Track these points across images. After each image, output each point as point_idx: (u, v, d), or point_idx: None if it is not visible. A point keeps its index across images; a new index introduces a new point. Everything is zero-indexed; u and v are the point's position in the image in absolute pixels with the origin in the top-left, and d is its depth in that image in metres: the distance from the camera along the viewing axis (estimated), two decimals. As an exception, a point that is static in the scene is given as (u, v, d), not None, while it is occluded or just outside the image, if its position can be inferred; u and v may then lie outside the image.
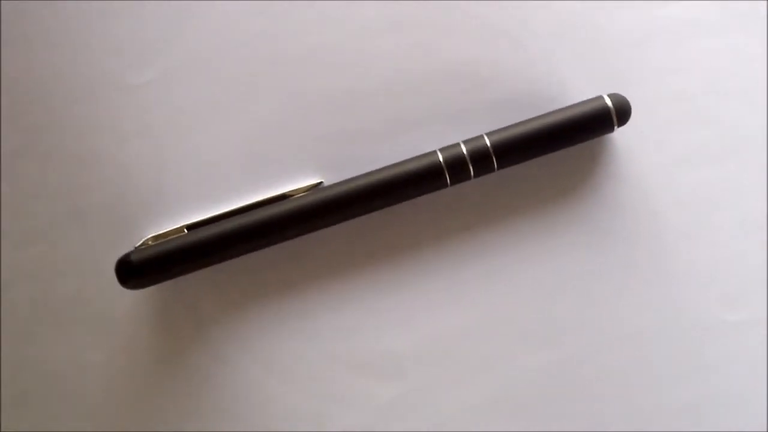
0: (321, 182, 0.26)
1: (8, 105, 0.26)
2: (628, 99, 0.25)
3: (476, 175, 0.25)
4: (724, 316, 0.26)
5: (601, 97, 0.25)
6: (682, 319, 0.26)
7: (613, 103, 0.25)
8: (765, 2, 0.26)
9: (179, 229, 0.25)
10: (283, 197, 0.25)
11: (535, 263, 0.26)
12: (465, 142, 0.25)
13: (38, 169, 0.26)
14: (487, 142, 0.25)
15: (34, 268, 0.26)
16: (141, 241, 0.25)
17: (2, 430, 0.26)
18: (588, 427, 0.26)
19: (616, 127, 0.25)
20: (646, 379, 0.26)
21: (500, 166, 0.25)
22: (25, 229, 0.26)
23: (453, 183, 0.25)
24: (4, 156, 0.26)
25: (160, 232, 0.26)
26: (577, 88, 0.26)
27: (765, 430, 0.26)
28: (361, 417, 0.26)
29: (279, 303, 0.26)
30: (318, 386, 0.26)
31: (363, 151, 0.26)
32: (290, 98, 0.27)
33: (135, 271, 0.25)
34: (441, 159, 0.25)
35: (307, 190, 0.26)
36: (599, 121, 0.25)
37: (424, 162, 0.25)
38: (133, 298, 0.26)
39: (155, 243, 0.25)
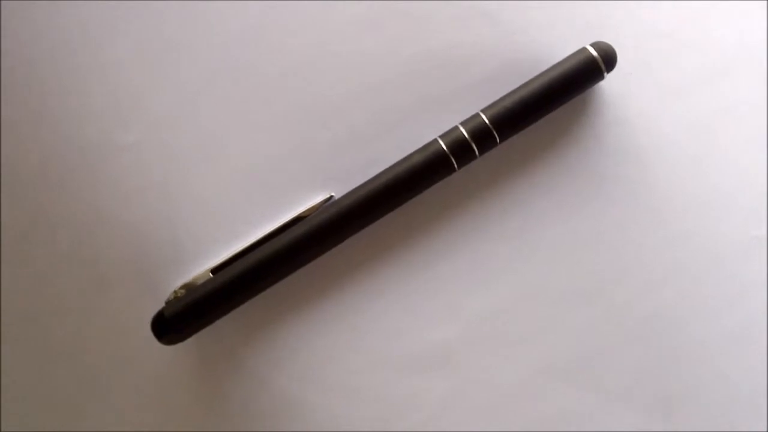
0: (331, 195, 0.26)
1: (8, 187, 0.26)
2: (611, 44, 0.25)
3: (481, 152, 0.25)
4: (753, 232, 0.26)
5: (584, 49, 0.25)
6: (714, 243, 0.26)
7: (597, 51, 0.25)
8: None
9: (204, 274, 0.25)
10: (298, 219, 0.25)
11: (557, 223, 0.26)
12: (463, 123, 0.25)
13: (49, 246, 0.26)
14: (485, 119, 0.25)
15: (69, 343, 0.26)
16: (170, 294, 0.25)
17: None
18: (648, 371, 0.26)
19: (605, 74, 0.25)
20: (696, 310, 0.26)
21: (502, 139, 0.25)
22: (52, 307, 0.26)
23: (461, 166, 0.25)
24: (16, 240, 0.26)
25: (187, 280, 0.25)
26: (559, 47, 0.26)
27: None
28: (423, 413, 0.26)
29: (314, 321, 0.26)
30: (374, 393, 0.26)
31: (364, 155, 0.26)
32: (280, 119, 0.26)
33: (170, 326, 0.25)
34: (443, 145, 0.25)
35: (319, 207, 0.26)
36: (588, 71, 0.25)
37: (428, 152, 0.25)
38: (172, 352, 0.26)
39: (184, 293, 0.25)
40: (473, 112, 0.25)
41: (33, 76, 0.26)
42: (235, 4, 0.26)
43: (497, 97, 0.25)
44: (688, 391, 0.26)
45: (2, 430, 0.26)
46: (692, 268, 0.26)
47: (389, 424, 0.26)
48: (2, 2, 0.26)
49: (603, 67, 0.25)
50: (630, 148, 0.26)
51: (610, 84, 0.26)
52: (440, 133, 0.25)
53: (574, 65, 0.25)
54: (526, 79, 0.25)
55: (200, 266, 0.26)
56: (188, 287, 0.25)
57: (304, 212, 0.26)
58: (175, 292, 0.25)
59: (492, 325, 0.26)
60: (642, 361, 0.26)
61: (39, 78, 0.26)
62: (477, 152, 0.25)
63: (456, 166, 0.25)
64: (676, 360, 0.26)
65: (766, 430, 0.26)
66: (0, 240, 0.26)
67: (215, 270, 0.25)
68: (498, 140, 0.25)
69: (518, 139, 0.26)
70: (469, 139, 0.25)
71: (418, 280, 0.26)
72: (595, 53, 0.25)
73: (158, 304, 0.26)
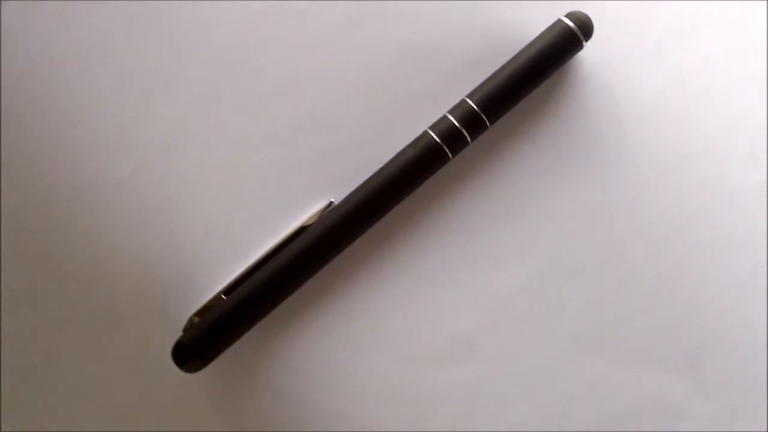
0: (331, 201, 0.26)
1: (8, 237, 0.26)
2: (586, 12, 0.25)
3: (473, 138, 0.25)
4: (754, 177, 0.26)
5: (560, 20, 0.25)
6: (718, 191, 0.26)
7: (573, 22, 0.25)
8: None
9: (217, 297, 0.25)
10: (302, 230, 0.25)
11: (557, 197, 0.26)
12: (450, 111, 0.25)
13: (58, 293, 0.26)
14: (472, 104, 0.25)
15: (90, 384, 0.27)
16: (186, 322, 0.25)
17: None
18: (670, 331, 0.26)
19: (584, 43, 0.25)
20: (706, 263, 0.26)
21: (491, 121, 0.25)
22: (70, 351, 0.27)
23: (455, 154, 0.25)
24: (26, 289, 0.26)
25: (200, 306, 0.26)
26: (534, 21, 0.26)
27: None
28: (454, 407, 0.26)
29: (331, 326, 0.26)
30: (403, 392, 0.26)
31: (358, 156, 0.26)
32: (268, 132, 0.26)
33: (191, 353, 0.25)
34: (435, 136, 0.25)
35: (321, 214, 0.26)
36: (567, 42, 0.25)
37: (421, 145, 0.25)
38: (195, 379, 0.26)
39: (200, 320, 0.25)
40: (459, 99, 0.25)
41: (20, 124, 0.26)
42: (217, 21, 0.26)
43: (480, 81, 0.25)
44: (713, 343, 0.26)
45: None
46: (696, 221, 0.26)
47: (423, 422, 0.26)
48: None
49: (581, 36, 0.25)
50: (620, 111, 0.26)
51: (589, 52, 0.26)
52: (429, 124, 0.25)
53: (552, 38, 0.25)
54: (507, 59, 0.25)
55: (212, 290, 0.26)
56: (203, 313, 0.25)
57: (306, 221, 0.26)
58: (190, 319, 0.25)
59: (508, 308, 0.26)
60: (662, 321, 0.26)
61: (26, 124, 0.26)
62: (469, 138, 0.25)
63: (450, 154, 0.25)
64: (695, 315, 0.26)
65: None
66: (3, 288, 0.26)
67: (227, 292, 0.25)
68: (488, 124, 0.25)
69: (508, 119, 0.26)
70: (459, 126, 0.25)
71: (427, 273, 0.26)
72: (571, 24, 0.25)
73: (175, 334, 0.25)
